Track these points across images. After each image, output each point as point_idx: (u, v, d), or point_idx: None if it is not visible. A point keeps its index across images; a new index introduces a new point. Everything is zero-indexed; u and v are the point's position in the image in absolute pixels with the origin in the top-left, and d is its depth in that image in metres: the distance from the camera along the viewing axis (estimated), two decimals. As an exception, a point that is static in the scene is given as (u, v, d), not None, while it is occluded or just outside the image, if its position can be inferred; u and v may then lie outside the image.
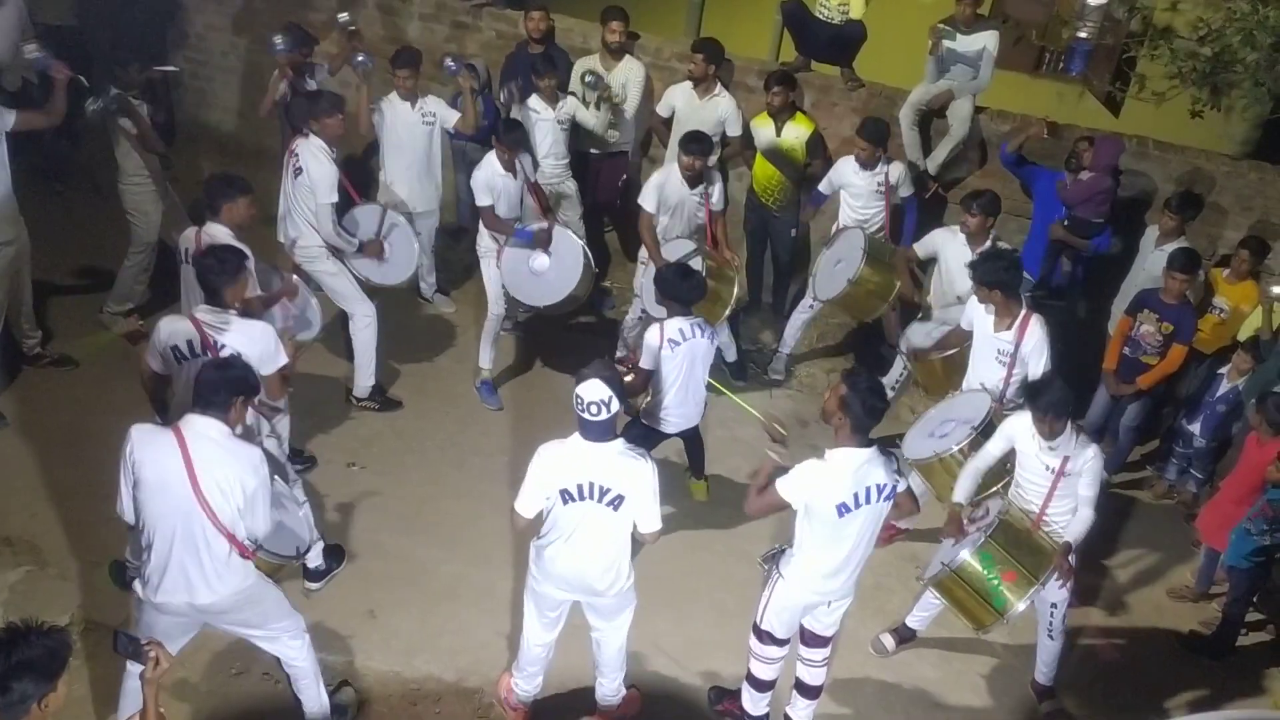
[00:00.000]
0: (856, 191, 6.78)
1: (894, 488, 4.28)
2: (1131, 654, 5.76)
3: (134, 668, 3.42)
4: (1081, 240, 6.82)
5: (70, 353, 6.62)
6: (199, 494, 3.86)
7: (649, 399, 5.63)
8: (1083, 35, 9.90)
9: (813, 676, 4.77)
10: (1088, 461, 4.80)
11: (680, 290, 5.47)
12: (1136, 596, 6.13)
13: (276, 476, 4.47)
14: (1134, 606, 6.06)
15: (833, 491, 4.18)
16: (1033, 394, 4.82)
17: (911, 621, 5.48)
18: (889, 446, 4.48)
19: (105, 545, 5.12)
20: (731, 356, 5.73)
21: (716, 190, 6.65)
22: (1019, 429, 4.92)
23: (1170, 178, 7.14)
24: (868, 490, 4.21)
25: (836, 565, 4.36)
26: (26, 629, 2.94)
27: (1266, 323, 6.17)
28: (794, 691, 4.82)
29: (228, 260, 4.71)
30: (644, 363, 5.45)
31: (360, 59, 6.86)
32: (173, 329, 4.68)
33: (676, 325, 5.44)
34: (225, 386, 3.95)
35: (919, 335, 6.26)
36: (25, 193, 6.19)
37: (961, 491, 5.07)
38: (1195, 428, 6.54)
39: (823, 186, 6.90)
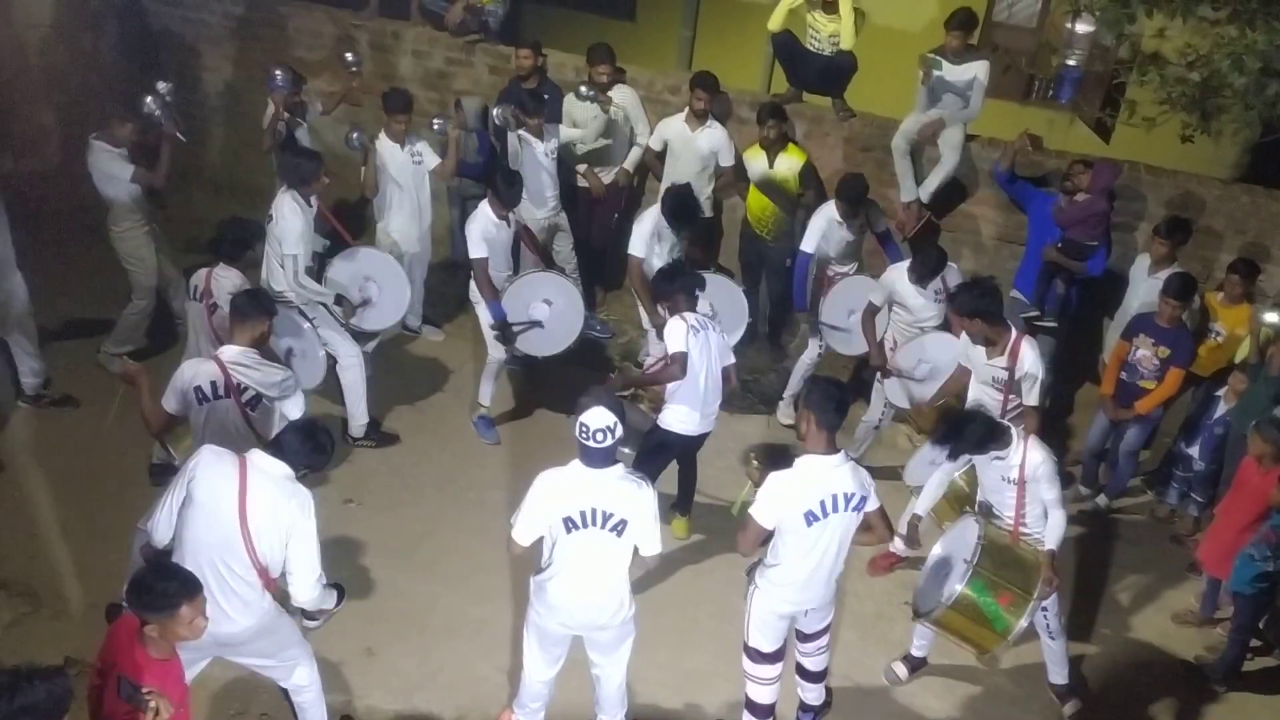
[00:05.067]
0: (837, 240, 6.79)
1: (864, 499, 4.31)
2: (1137, 680, 5.71)
3: None
4: (1076, 263, 6.85)
5: (71, 393, 6.60)
6: (244, 525, 3.89)
7: (671, 394, 5.56)
8: (1071, 63, 10.07)
9: (814, 663, 4.83)
10: (1039, 466, 4.82)
11: (676, 287, 5.57)
12: (1141, 622, 6.09)
13: None
14: (1139, 632, 6.02)
15: (800, 499, 4.22)
16: (956, 435, 4.82)
17: (916, 650, 5.47)
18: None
19: (103, 587, 5.07)
20: (729, 360, 5.80)
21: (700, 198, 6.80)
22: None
23: (1162, 202, 7.18)
24: (834, 498, 4.24)
25: (808, 575, 4.39)
26: (29, 673, 2.91)
27: (1253, 347, 6.19)
28: (798, 677, 4.87)
29: (262, 300, 4.93)
30: (674, 346, 5.44)
31: (355, 137, 6.92)
32: (197, 370, 4.75)
33: (692, 317, 5.52)
34: (305, 453, 4.02)
35: (898, 392, 6.34)
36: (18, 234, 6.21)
37: (921, 505, 5.23)
38: (1194, 451, 6.52)
39: (807, 245, 6.80)
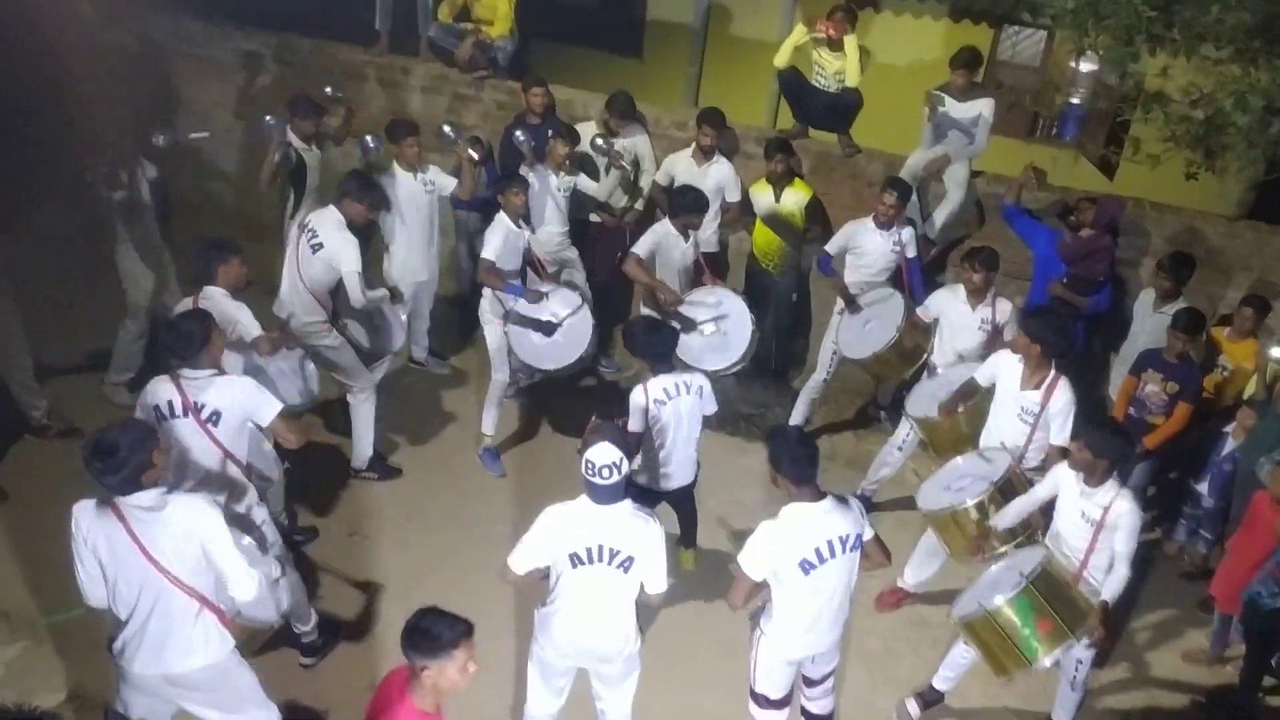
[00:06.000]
0: (869, 252, 6.80)
1: (859, 536, 4.27)
2: (1149, 718, 5.65)
3: None
4: (1080, 298, 6.85)
5: (77, 424, 6.59)
6: (154, 563, 3.82)
7: (639, 466, 5.49)
8: (1075, 101, 10.15)
9: (820, 707, 4.77)
10: (1123, 515, 4.72)
11: (651, 346, 5.38)
12: (1151, 659, 6.03)
13: (249, 539, 4.43)
14: (1150, 669, 5.96)
15: (792, 550, 4.17)
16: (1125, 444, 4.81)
17: (939, 683, 5.38)
18: (848, 495, 4.45)
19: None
20: (710, 409, 5.72)
21: (705, 240, 6.83)
22: (1064, 476, 4.90)
23: (1166, 238, 7.20)
24: (830, 544, 4.19)
25: (813, 620, 4.34)
26: (18, 713, 2.89)
27: (1260, 383, 6.17)
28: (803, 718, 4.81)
29: (190, 328, 4.64)
30: (632, 425, 5.31)
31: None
32: (156, 389, 4.65)
33: (659, 384, 5.35)
34: (120, 470, 3.76)
35: (923, 400, 6.22)
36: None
37: (1005, 518, 5.10)
38: (1203, 488, 6.49)
39: (831, 248, 6.86)
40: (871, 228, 6.74)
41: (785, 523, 4.20)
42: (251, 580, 3.98)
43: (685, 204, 6.46)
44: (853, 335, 6.74)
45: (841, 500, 4.31)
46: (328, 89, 7.49)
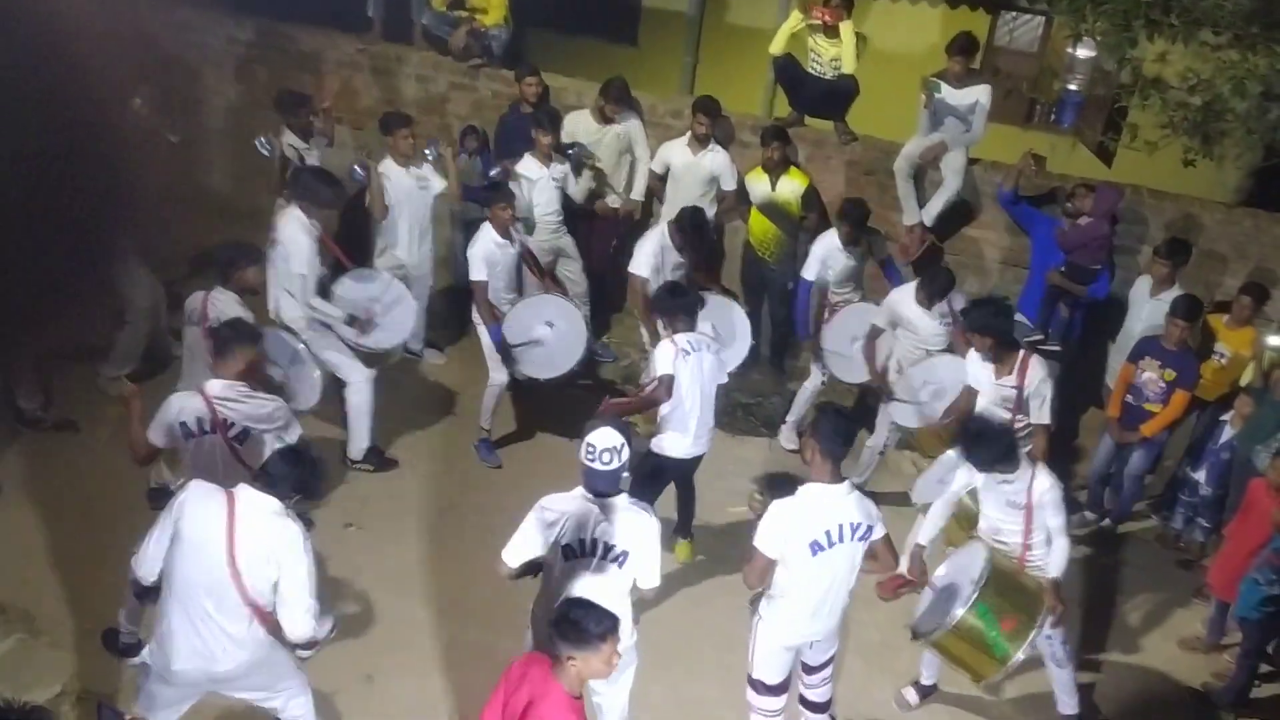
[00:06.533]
0: (839, 268, 6.79)
1: (870, 528, 4.27)
2: (1145, 707, 5.66)
3: None
4: (1079, 286, 6.83)
5: (72, 418, 6.57)
6: (233, 563, 3.83)
7: (663, 419, 5.53)
8: (1073, 87, 10.11)
9: (818, 695, 4.78)
10: (1047, 491, 4.78)
11: (676, 305, 5.52)
12: (1148, 647, 6.04)
13: None
14: (1146, 658, 5.96)
15: (805, 529, 4.18)
16: (980, 444, 4.77)
17: (925, 679, 5.42)
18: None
19: (100, 613, 5.01)
20: (721, 379, 5.79)
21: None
22: (974, 474, 4.92)
23: (1164, 225, 7.17)
24: (840, 528, 4.20)
25: (814, 606, 4.34)
26: (7, 710, 2.88)
27: (1257, 371, 6.16)
28: (802, 708, 4.82)
29: (245, 330, 4.79)
30: (661, 368, 5.41)
31: (356, 170, 6.90)
32: (184, 404, 4.66)
33: (685, 338, 5.46)
34: (294, 477, 3.94)
35: (907, 414, 6.24)
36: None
37: (924, 533, 5.13)
38: (1200, 476, 6.49)
39: (808, 273, 6.81)
40: (839, 248, 6.72)
41: (800, 501, 4.22)
42: (306, 625, 3.98)
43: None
44: (840, 355, 6.79)
45: (864, 493, 4.33)
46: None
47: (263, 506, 3.90)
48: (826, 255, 6.72)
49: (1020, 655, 4.72)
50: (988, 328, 5.42)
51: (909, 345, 6.37)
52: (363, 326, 6.34)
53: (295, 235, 5.96)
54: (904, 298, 6.31)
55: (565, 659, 3.40)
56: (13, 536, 5.75)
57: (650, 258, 6.54)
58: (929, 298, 6.15)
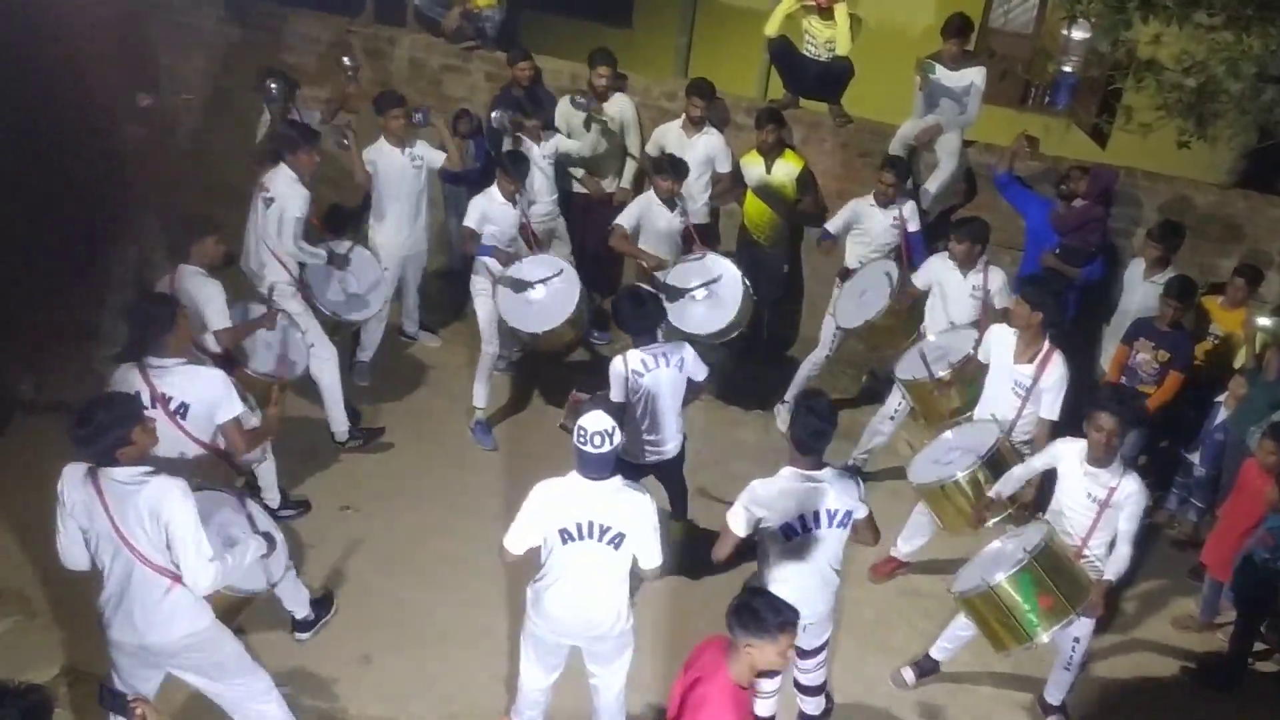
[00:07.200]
0: (870, 230, 6.78)
1: (849, 514, 4.29)
2: (1139, 685, 5.69)
3: None
4: (1073, 269, 6.84)
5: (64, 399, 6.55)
6: (123, 537, 3.85)
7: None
8: (1068, 69, 10.11)
9: (811, 679, 4.80)
10: (1131, 495, 4.73)
11: (633, 319, 5.33)
12: (1142, 626, 6.07)
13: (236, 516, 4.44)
14: (1140, 637, 6.00)
15: (777, 511, 4.20)
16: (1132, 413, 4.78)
17: (936, 653, 5.41)
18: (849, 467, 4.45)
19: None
20: (700, 374, 5.70)
21: (695, 212, 6.94)
22: (1067, 453, 4.89)
23: (1158, 207, 7.18)
24: (815, 514, 4.22)
25: (801, 589, 4.33)
26: (4, 691, 2.88)
27: (1249, 352, 6.18)
28: (796, 690, 4.85)
29: (154, 313, 4.61)
30: (613, 395, 5.30)
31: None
32: (124, 377, 4.58)
33: (639, 356, 5.30)
34: (94, 441, 3.80)
35: (912, 363, 6.21)
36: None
37: (1007, 484, 5.11)
38: (1195, 457, 6.51)
39: (833, 226, 6.83)
40: (872, 205, 6.72)
41: (777, 482, 4.24)
42: (206, 573, 3.91)
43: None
44: (849, 304, 6.71)
45: (844, 476, 4.33)
46: (345, 60, 7.30)
47: (120, 477, 3.84)
48: (857, 218, 6.77)
49: (1045, 638, 4.71)
50: (1043, 305, 5.33)
51: (937, 317, 6.37)
52: (340, 261, 6.43)
53: (289, 185, 6.04)
54: (940, 262, 6.29)
55: (742, 646, 3.47)
56: (7, 519, 5.74)
57: (635, 210, 6.60)
58: (961, 241, 6.10)
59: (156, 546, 3.88)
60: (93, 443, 3.80)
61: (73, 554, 3.98)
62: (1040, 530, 4.85)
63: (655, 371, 5.32)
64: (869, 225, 6.79)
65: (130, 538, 3.85)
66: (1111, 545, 4.84)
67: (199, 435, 4.68)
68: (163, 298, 4.81)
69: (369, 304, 6.68)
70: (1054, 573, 4.72)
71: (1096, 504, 4.78)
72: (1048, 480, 5.08)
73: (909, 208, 6.81)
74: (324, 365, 6.36)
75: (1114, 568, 4.81)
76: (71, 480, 3.90)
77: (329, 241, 6.53)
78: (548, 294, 6.38)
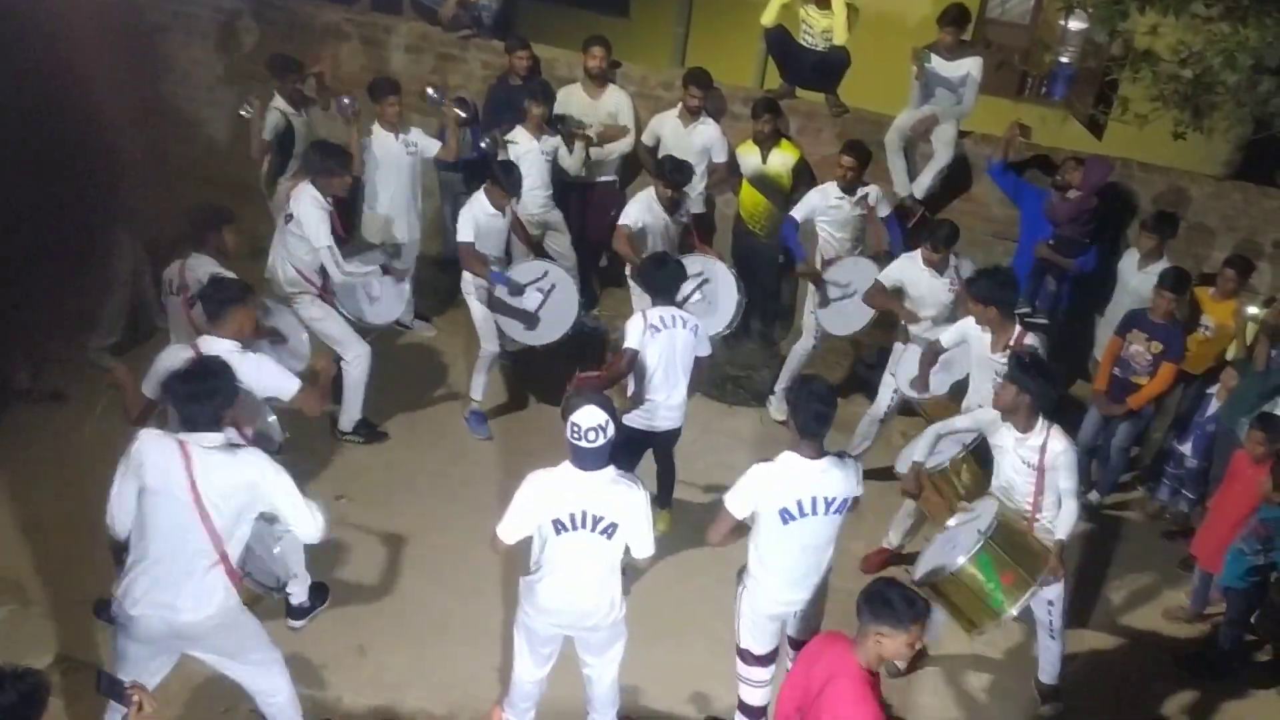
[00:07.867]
0: (836, 218, 6.77)
1: (847, 500, 4.31)
2: (1129, 676, 5.72)
3: (116, 708, 3.37)
4: (1066, 259, 6.85)
5: (60, 388, 6.55)
6: (199, 504, 3.84)
7: (632, 395, 5.55)
8: (1064, 60, 10.09)
9: None
10: (1060, 454, 4.82)
11: (655, 278, 5.52)
12: (1132, 618, 6.10)
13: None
14: (1130, 628, 6.03)
15: (775, 496, 4.23)
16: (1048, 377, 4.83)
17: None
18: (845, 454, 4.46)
19: (90, 583, 5.04)
20: (704, 351, 5.76)
21: (692, 201, 6.95)
22: (992, 419, 4.97)
23: (1153, 198, 7.19)
24: (814, 500, 4.24)
25: (793, 575, 4.38)
26: (1, 675, 2.89)
27: (1240, 342, 6.20)
28: None
29: (231, 288, 4.78)
30: (627, 341, 5.43)
31: (346, 101, 6.86)
32: (175, 358, 4.60)
33: (658, 313, 5.47)
34: (206, 400, 3.91)
35: (910, 368, 6.24)
36: None
37: (919, 450, 5.15)
38: (1186, 448, 6.54)
39: (798, 214, 6.77)
40: (834, 191, 6.70)
41: (776, 467, 4.26)
42: (318, 522, 4.07)
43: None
44: (833, 311, 6.74)
45: (842, 463, 4.34)
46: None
47: (210, 444, 3.88)
48: (819, 208, 6.73)
49: (1014, 610, 4.74)
50: (992, 298, 5.41)
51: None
52: (397, 272, 6.53)
53: (310, 210, 6.02)
54: (909, 264, 6.28)
55: (873, 635, 3.49)
56: (2, 507, 5.75)
57: (637, 210, 6.56)
58: (934, 248, 6.09)
59: (227, 518, 3.91)
60: (206, 401, 3.87)
61: (121, 518, 3.97)
62: (991, 508, 4.90)
63: (672, 330, 5.45)
64: (835, 215, 6.77)
65: (207, 504, 3.85)
66: (1058, 506, 4.91)
67: (241, 421, 4.72)
68: (227, 281, 4.92)
69: (389, 309, 6.68)
70: (1011, 549, 4.77)
71: (1033, 469, 4.86)
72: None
73: (875, 193, 6.78)
74: (354, 363, 6.38)
75: (1064, 526, 4.88)
76: (153, 442, 3.92)
77: (370, 252, 6.59)
78: (545, 306, 6.42)
